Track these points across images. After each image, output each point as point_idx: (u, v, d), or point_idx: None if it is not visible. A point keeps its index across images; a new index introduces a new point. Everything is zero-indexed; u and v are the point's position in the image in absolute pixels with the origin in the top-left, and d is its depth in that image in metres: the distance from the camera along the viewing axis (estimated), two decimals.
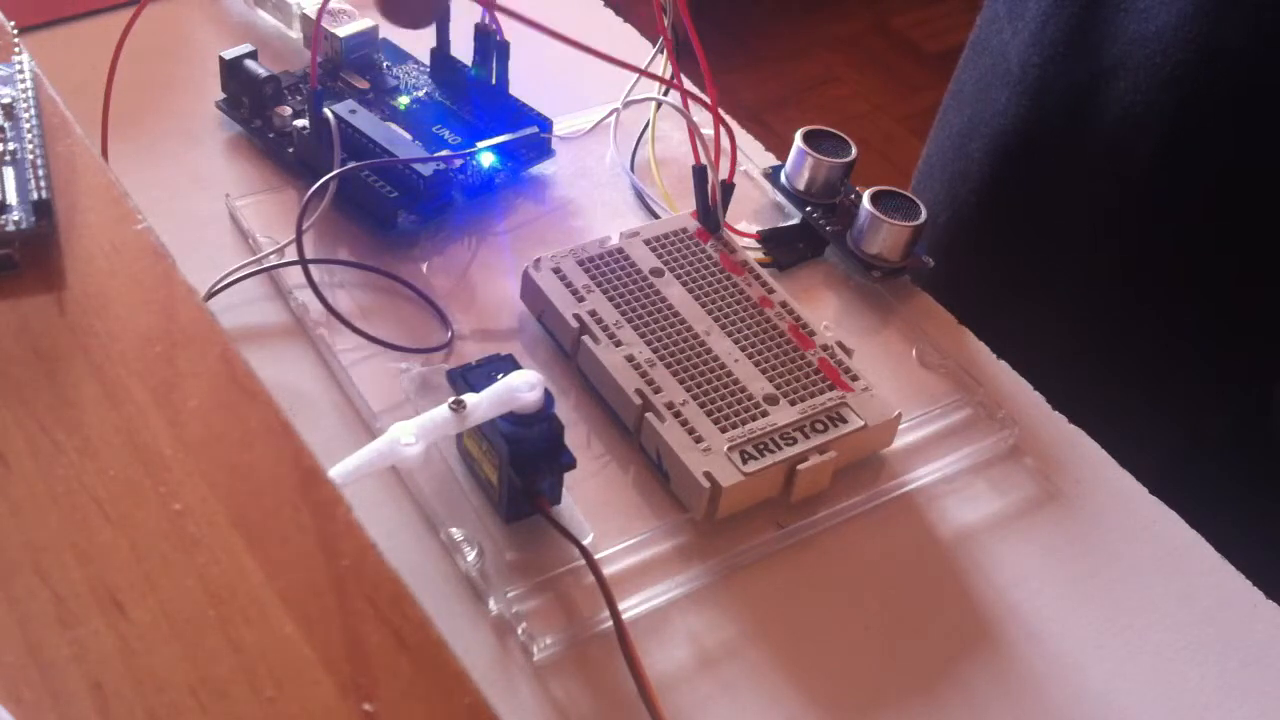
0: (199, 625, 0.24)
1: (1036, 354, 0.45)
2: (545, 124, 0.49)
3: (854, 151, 0.48)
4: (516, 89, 0.49)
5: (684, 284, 0.43)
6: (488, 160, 0.47)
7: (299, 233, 0.42)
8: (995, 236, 0.56)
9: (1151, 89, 0.48)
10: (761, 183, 0.50)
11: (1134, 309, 0.52)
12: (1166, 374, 0.52)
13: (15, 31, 0.36)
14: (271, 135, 0.48)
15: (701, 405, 0.39)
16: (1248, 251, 0.49)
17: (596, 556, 0.35)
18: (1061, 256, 0.54)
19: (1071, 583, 0.38)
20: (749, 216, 0.49)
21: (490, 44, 0.48)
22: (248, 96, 0.49)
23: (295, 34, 0.54)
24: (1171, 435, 0.53)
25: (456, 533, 0.36)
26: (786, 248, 0.47)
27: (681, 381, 0.39)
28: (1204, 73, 0.46)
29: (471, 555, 0.36)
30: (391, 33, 0.53)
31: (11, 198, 0.31)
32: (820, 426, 0.39)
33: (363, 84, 0.50)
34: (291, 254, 0.43)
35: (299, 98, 0.49)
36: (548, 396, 0.35)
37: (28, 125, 0.33)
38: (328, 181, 0.44)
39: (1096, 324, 0.53)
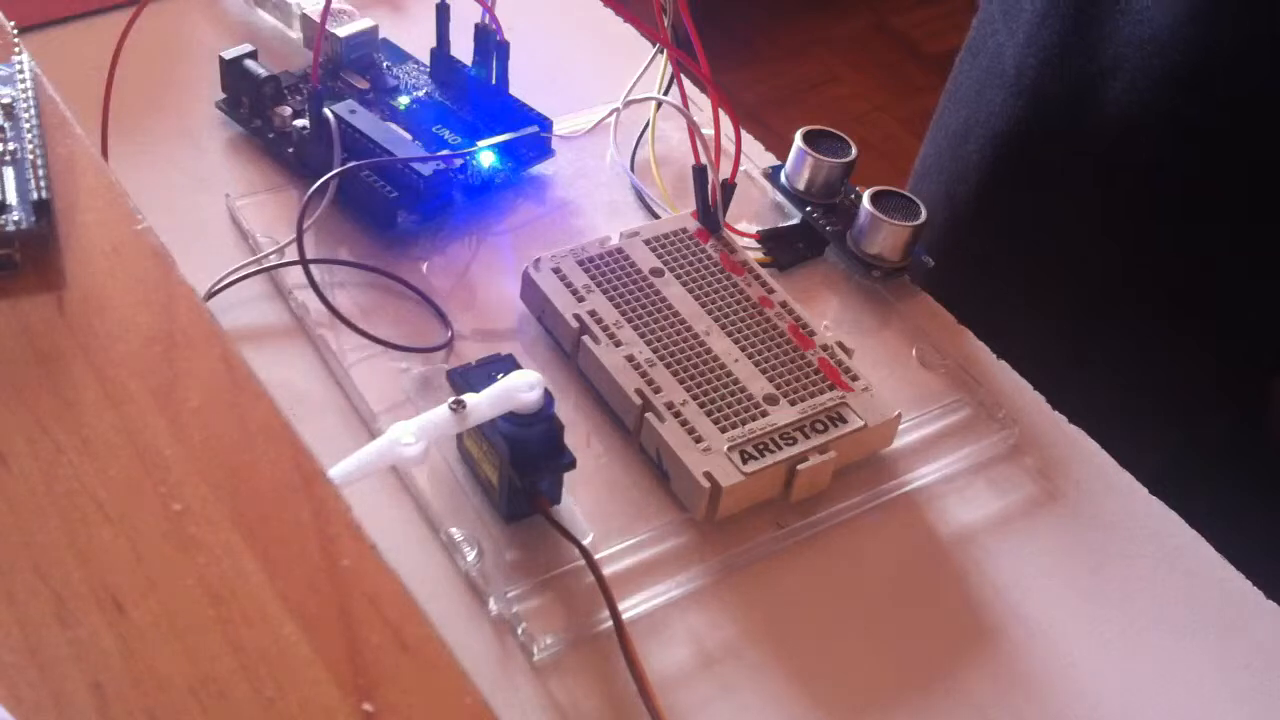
0: (199, 625, 0.24)
1: (1036, 354, 0.45)
2: (545, 124, 0.49)
3: (854, 151, 0.48)
4: (516, 89, 0.49)
5: (684, 284, 0.43)
6: (488, 160, 0.47)
7: (299, 233, 0.42)
8: (993, 237, 0.56)
9: (1147, 91, 0.48)
10: (761, 183, 0.50)
11: (1132, 309, 0.52)
12: (1166, 374, 0.52)
13: (15, 31, 0.36)
14: (271, 135, 0.48)
15: (701, 405, 0.39)
16: (1245, 250, 0.49)
17: (596, 556, 0.35)
18: (1058, 256, 0.54)
19: (1071, 583, 0.38)
20: (749, 216, 0.49)
21: (490, 44, 0.48)
22: (248, 96, 0.49)
23: (295, 34, 0.54)
24: (1171, 435, 0.53)
25: (456, 533, 0.36)
26: (786, 248, 0.47)
27: (681, 381, 0.39)
28: (1200, 75, 0.46)
29: (471, 555, 0.36)
30: (391, 32, 0.53)
31: (11, 198, 0.31)
32: (820, 426, 0.39)
33: (363, 84, 0.50)
34: (292, 254, 0.43)
35: (299, 98, 0.49)
36: (548, 396, 0.35)
37: (28, 125, 0.33)
38: (328, 181, 0.44)
39: (1095, 324, 0.53)
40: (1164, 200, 0.50)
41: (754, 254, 0.45)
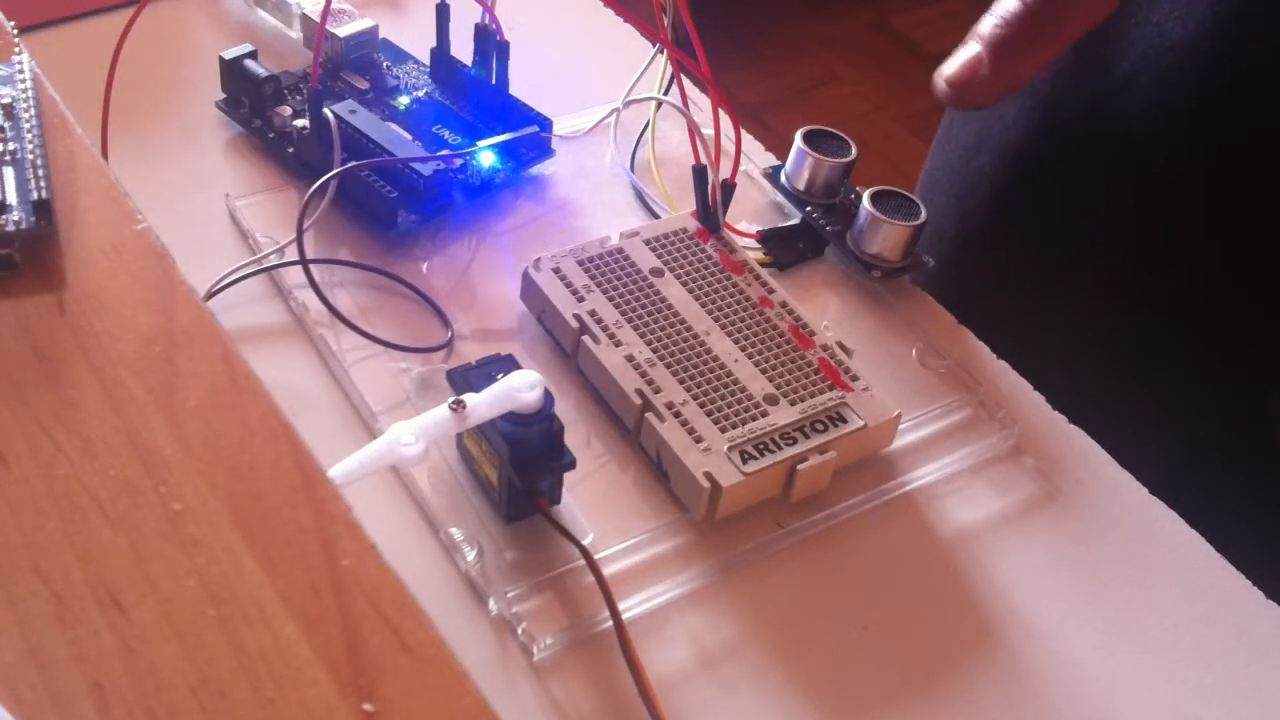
0: (199, 625, 0.24)
1: (1037, 355, 0.45)
2: (545, 124, 0.49)
3: (854, 151, 0.48)
4: (516, 89, 0.49)
5: (684, 284, 0.43)
6: (488, 160, 0.47)
7: (299, 233, 0.42)
8: (1006, 249, 0.55)
9: (1166, 103, 0.47)
10: (761, 183, 0.50)
11: (1138, 312, 0.52)
12: (1167, 374, 0.52)
13: (15, 31, 0.36)
14: (271, 135, 0.48)
15: (701, 405, 0.39)
16: (1255, 257, 0.49)
17: (596, 556, 0.35)
18: (1070, 265, 0.53)
19: (1071, 583, 0.38)
20: (749, 216, 0.49)
21: (490, 44, 0.48)
22: (248, 96, 0.49)
23: (295, 34, 0.54)
24: (1172, 435, 0.53)
25: (456, 533, 0.36)
26: (786, 248, 0.47)
27: (681, 381, 0.39)
28: (1221, 87, 0.46)
29: (471, 555, 0.36)
30: (391, 33, 0.53)
31: (11, 198, 0.31)
32: (820, 426, 0.39)
33: (363, 84, 0.50)
34: (292, 254, 0.43)
35: (299, 98, 0.49)
36: (548, 396, 0.35)
37: (28, 125, 0.33)
38: (328, 181, 0.44)
39: (1099, 326, 0.53)
40: (1179, 212, 0.49)
41: (754, 254, 0.45)
